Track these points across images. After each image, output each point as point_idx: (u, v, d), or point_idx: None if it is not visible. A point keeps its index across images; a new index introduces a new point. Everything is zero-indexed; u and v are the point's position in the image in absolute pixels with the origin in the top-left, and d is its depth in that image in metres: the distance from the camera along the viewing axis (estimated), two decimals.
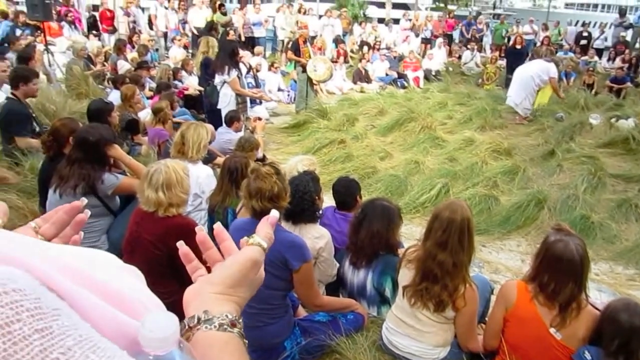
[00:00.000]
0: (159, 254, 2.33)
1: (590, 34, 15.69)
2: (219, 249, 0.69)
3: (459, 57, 14.53)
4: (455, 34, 16.01)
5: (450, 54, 14.94)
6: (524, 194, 5.19)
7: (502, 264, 4.32)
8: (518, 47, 11.81)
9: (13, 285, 0.36)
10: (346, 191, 3.14)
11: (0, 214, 0.73)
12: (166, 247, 2.28)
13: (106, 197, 2.91)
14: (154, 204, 2.34)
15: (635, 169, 6.21)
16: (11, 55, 7.13)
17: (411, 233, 4.65)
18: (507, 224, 4.86)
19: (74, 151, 2.88)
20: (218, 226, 0.69)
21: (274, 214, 0.75)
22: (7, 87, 4.94)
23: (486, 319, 2.70)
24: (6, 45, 8.12)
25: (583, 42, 15.21)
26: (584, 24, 16.97)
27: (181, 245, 0.69)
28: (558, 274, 2.04)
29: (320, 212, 2.98)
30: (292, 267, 2.16)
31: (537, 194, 5.04)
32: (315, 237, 2.59)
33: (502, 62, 12.95)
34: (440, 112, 8.84)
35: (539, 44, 14.07)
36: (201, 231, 0.68)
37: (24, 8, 9.32)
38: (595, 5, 64.81)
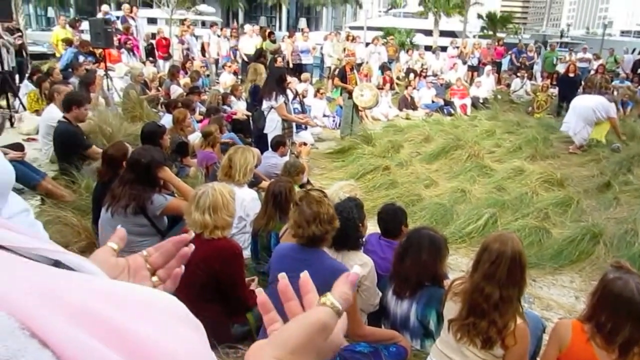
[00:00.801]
0: (203, 275, 2.35)
1: None
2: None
3: (508, 85, 14.27)
4: (504, 62, 15.76)
5: (499, 81, 14.70)
6: (577, 227, 4.95)
7: (554, 300, 4.10)
8: (571, 75, 11.48)
9: None
10: (392, 219, 3.09)
11: (116, 239, 0.76)
12: (211, 269, 2.31)
13: (155, 217, 2.99)
14: (200, 226, 2.38)
15: None
16: (74, 80, 7.58)
17: (457, 264, 4.51)
18: (560, 258, 4.63)
19: (126, 172, 2.99)
20: (305, 275, 0.63)
21: (356, 270, 0.66)
22: None
23: (538, 359, 2.56)
24: (70, 70, 8.64)
25: None
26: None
27: (260, 292, 0.64)
28: (616, 314, 1.91)
29: (364, 239, 2.94)
30: None
31: (592, 228, 4.79)
32: (359, 265, 2.55)
33: (554, 90, 12.61)
34: (488, 140, 8.65)
35: (592, 72, 13.66)
36: (284, 279, 0.61)
37: (88, 36, 9.94)
38: None
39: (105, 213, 2.95)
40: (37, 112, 6.89)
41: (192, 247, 0.77)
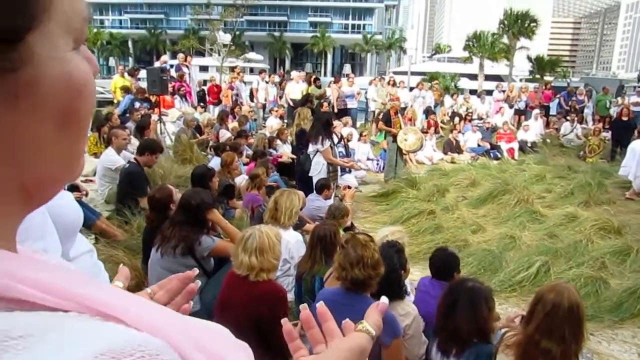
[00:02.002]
0: (247, 317, 2.36)
1: None
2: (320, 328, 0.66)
3: (557, 129, 13.94)
4: (553, 105, 15.47)
5: (547, 125, 14.39)
6: (638, 278, 4.66)
7: (614, 356, 3.83)
8: (625, 118, 11.11)
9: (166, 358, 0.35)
10: (444, 265, 3.02)
11: (122, 278, 0.78)
12: (255, 312, 2.31)
13: (202, 258, 3.05)
14: (247, 268, 2.41)
15: None
16: (131, 125, 8.00)
17: (507, 313, 4.31)
18: (620, 311, 4.35)
19: (177, 214, 3.09)
20: (321, 306, 0.67)
21: (384, 300, 0.72)
22: (125, 153, 5.50)
23: None
24: (127, 115, 9.14)
25: None
26: None
27: (285, 322, 0.69)
28: None
29: (407, 287, 2.89)
30: (382, 342, 2.08)
31: None
32: (401, 314, 2.49)
33: (606, 134, 12.20)
34: (537, 185, 8.39)
35: None
36: (305, 309, 0.67)
37: (144, 84, 10.56)
38: None
39: (155, 253, 3.04)
40: (96, 155, 7.28)
41: (199, 283, 0.78)
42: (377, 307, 0.70)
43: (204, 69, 28.11)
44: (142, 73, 12.35)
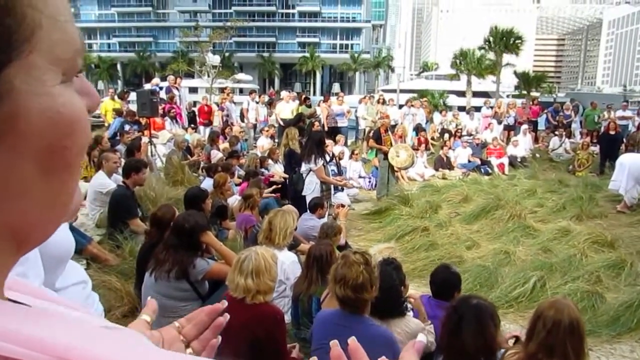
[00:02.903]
0: (244, 342, 2.31)
1: None
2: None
3: (546, 144, 14.10)
4: (541, 121, 15.66)
5: (536, 140, 14.55)
6: (634, 291, 4.65)
7: None
8: (612, 132, 11.26)
9: None
10: (445, 284, 2.99)
11: (149, 312, 0.75)
12: (253, 335, 2.26)
13: (196, 281, 3.00)
14: (243, 291, 2.37)
15: None
16: (121, 148, 7.95)
17: (504, 329, 4.28)
18: (617, 325, 4.33)
19: (170, 237, 3.04)
20: (353, 341, 0.65)
21: (422, 338, 0.70)
22: (116, 177, 5.46)
23: None
24: (117, 138, 9.10)
25: None
26: None
27: (334, 345, 0.66)
28: None
29: (407, 305, 2.86)
30: None
31: None
32: (407, 331, 2.47)
33: (595, 148, 12.35)
34: (529, 200, 8.43)
35: (634, 129, 13.37)
36: (336, 347, 0.64)
37: (134, 106, 10.54)
38: None
39: (148, 277, 2.99)
40: (86, 179, 7.20)
41: (227, 316, 0.76)
42: (413, 346, 0.69)
43: (193, 90, 28.17)
44: (132, 96, 12.35)
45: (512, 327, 4.26)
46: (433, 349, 2.63)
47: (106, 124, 11.44)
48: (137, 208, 4.88)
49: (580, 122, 15.57)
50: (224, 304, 0.76)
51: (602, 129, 12.80)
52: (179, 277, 2.91)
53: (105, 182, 5.47)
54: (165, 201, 5.92)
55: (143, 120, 10.00)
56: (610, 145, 11.00)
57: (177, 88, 12.55)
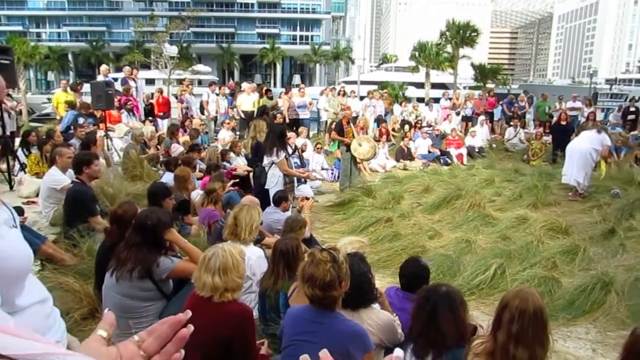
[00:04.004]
0: (214, 340, 2.26)
1: (637, 108, 15.43)
2: None
3: (502, 134, 14.53)
4: (497, 112, 16.10)
5: (492, 131, 14.96)
6: (587, 276, 4.85)
7: (571, 353, 3.96)
8: (563, 123, 11.70)
9: None
10: (415, 278, 3.03)
11: (106, 326, 0.70)
12: (221, 334, 2.22)
13: (161, 280, 2.92)
14: (210, 289, 2.31)
15: None
16: (75, 142, 7.64)
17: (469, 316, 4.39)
18: (572, 308, 4.51)
19: (132, 235, 2.94)
20: (325, 353, 0.62)
21: (399, 354, 0.69)
22: (71, 172, 5.23)
23: None
24: (71, 132, 8.73)
25: (631, 117, 14.96)
26: (631, 100, 16.76)
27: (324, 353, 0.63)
28: None
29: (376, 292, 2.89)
30: (354, 358, 2.04)
31: (602, 277, 4.69)
32: (379, 323, 2.50)
33: (547, 138, 12.81)
34: (487, 189, 8.67)
35: (583, 120, 13.93)
36: (325, 354, 0.62)
37: (88, 98, 10.13)
38: (638, 81, 64.62)
39: (109, 278, 2.88)
40: (38, 175, 6.89)
41: (192, 328, 0.72)
42: None
43: (150, 82, 27.39)
44: (86, 87, 11.86)
45: (475, 313, 4.37)
46: (402, 340, 2.66)
47: (58, 117, 10.94)
48: (97, 204, 4.69)
49: (534, 114, 16.10)
50: (188, 314, 0.70)
51: (554, 120, 13.27)
52: (142, 276, 2.82)
53: (59, 178, 5.23)
54: (124, 197, 5.74)
55: (98, 113, 9.64)
56: (562, 135, 11.40)
57: (133, 79, 12.15)
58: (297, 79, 42.34)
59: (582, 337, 4.22)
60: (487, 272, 4.98)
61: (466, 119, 15.28)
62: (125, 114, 10.79)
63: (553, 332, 4.30)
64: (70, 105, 9.89)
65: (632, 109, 15.33)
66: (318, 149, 10.66)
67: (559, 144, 11.47)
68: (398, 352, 0.66)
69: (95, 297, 3.37)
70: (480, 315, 4.35)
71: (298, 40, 72.11)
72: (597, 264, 5.41)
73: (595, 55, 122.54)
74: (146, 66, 35.33)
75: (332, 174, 10.34)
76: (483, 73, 40.81)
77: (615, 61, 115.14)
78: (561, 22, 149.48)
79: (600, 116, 17.67)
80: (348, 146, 8.75)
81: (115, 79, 12.88)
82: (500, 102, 16.28)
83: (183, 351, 0.69)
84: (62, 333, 1.39)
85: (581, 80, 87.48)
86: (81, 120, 9.25)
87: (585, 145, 8.13)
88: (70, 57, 65.94)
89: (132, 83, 11.89)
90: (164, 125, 12.10)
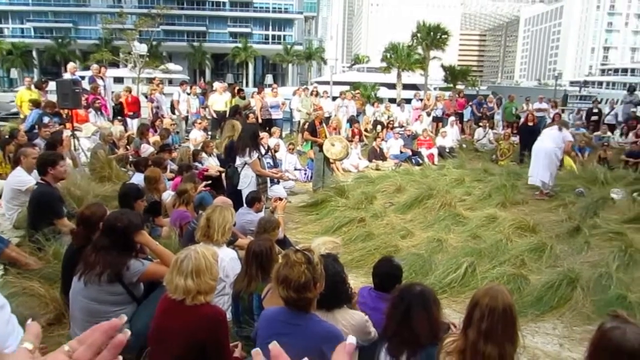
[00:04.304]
0: (186, 344, 2.22)
1: (600, 110, 15.97)
2: None
3: (472, 135, 14.81)
4: (466, 113, 16.39)
5: (462, 131, 15.23)
6: (554, 272, 4.99)
7: (539, 349, 4.06)
8: (530, 124, 11.99)
9: None
10: (388, 277, 3.05)
11: (31, 337, 0.66)
12: (195, 338, 2.18)
13: (131, 284, 2.85)
14: (183, 292, 2.27)
15: None
16: (40, 142, 7.41)
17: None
18: (540, 305, 4.63)
19: (101, 238, 2.86)
20: (275, 346, 0.62)
21: (351, 340, 0.69)
22: (36, 173, 5.07)
23: None
24: (35, 132, 8.46)
25: (594, 118, 15.47)
26: (594, 101, 17.32)
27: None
28: None
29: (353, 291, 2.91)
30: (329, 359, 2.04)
31: (568, 273, 4.84)
32: (352, 323, 2.51)
33: (515, 139, 13.11)
34: (458, 189, 8.81)
35: (549, 120, 14.31)
36: (276, 346, 0.61)
37: (53, 97, 9.83)
38: (600, 83, 66.91)
39: (77, 282, 2.80)
40: (0, 176, 6.65)
41: (128, 333, 0.67)
42: (344, 349, 0.67)
43: (119, 80, 26.85)
44: (51, 85, 11.51)
45: (447, 312, 4.43)
46: (376, 339, 2.68)
47: (22, 116, 10.58)
48: (63, 206, 4.55)
49: (502, 114, 16.47)
50: (123, 318, 0.68)
51: (522, 121, 13.59)
52: (112, 280, 2.75)
53: (24, 179, 5.06)
54: (92, 198, 5.59)
55: (64, 112, 9.36)
56: (529, 136, 11.67)
57: (101, 78, 11.86)
58: (269, 78, 42.19)
59: (549, 332, 4.33)
60: (458, 270, 5.06)
61: (437, 120, 15.50)
62: (92, 113, 10.52)
63: (522, 328, 4.40)
64: (35, 103, 9.58)
65: (595, 110, 15.86)
66: (291, 149, 10.64)
67: (526, 144, 11.74)
68: (351, 339, 0.66)
69: (61, 301, 3.27)
70: (452, 314, 4.42)
71: (270, 40, 71.81)
72: (563, 261, 5.57)
73: (560, 58, 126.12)
74: (114, 64, 34.59)
75: (305, 174, 10.34)
76: (453, 74, 41.59)
77: (579, 64, 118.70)
78: (527, 25, 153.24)
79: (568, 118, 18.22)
80: (321, 146, 8.76)
81: (83, 77, 12.56)
82: (470, 103, 16.59)
83: (121, 357, 0.66)
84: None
85: (547, 82, 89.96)
86: (46, 119, 8.97)
87: (549, 146, 8.35)
88: (34, 54, 63.97)
89: (100, 81, 11.60)
90: (133, 125, 11.85)
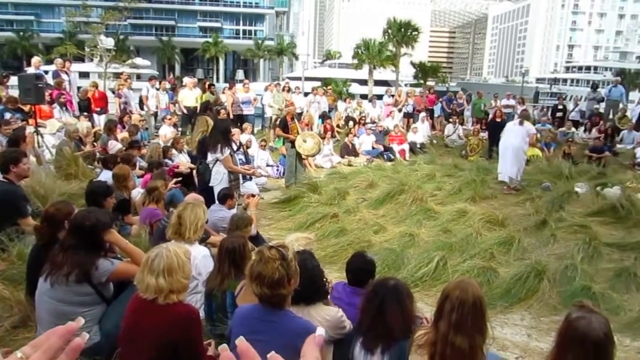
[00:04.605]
0: (159, 344, 2.19)
1: (565, 106, 16.44)
2: None
3: (442, 131, 15.02)
4: (436, 109, 16.62)
5: (433, 127, 15.44)
6: (522, 265, 5.14)
7: (508, 339, 4.17)
8: (498, 120, 12.24)
9: None
10: (361, 272, 3.06)
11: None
12: (168, 338, 2.15)
13: (100, 284, 2.78)
14: (154, 291, 2.23)
15: (628, 237, 6.24)
16: (1, 139, 7.14)
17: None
18: (509, 296, 4.76)
19: (68, 237, 2.78)
20: (242, 341, 0.61)
21: (320, 332, 0.69)
22: None
23: None
24: None
25: (559, 114, 15.91)
26: (559, 98, 17.80)
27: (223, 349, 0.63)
28: (583, 354, 1.94)
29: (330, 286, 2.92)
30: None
31: (535, 265, 4.98)
32: (327, 319, 2.51)
33: (484, 135, 13.37)
34: (429, 184, 8.94)
35: (517, 116, 14.64)
36: (226, 350, 0.61)
37: (15, 92, 9.48)
38: (565, 80, 68.88)
39: (43, 283, 2.71)
40: None
41: (86, 336, 0.64)
42: (313, 341, 0.67)
43: (84, 75, 26.12)
44: (13, 80, 11.10)
45: (419, 305, 4.49)
46: (351, 331, 2.69)
47: None
48: (28, 205, 4.40)
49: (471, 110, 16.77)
50: (80, 321, 0.65)
51: (490, 117, 13.87)
52: (80, 280, 2.67)
53: None
54: (58, 197, 5.43)
55: (27, 108, 9.05)
56: (497, 132, 11.91)
57: (66, 72, 11.50)
58: (240, 74, 41.77)
59: (517, 323, 4.45)
60: (430, 264, 5.14)
61: (408, 116, 15.67)
62: (57, 109, 10.21)
63: (491, 320, 4.53)
64: None
65: (560, 107, 16.31)
66: (263, 145, 10.58)
67: (494, 140, 12.00)
68: (320, 330, 0.66)
69: (27, 303, 3.16)
70: (424, 307, 4.48)
71: (241, 35, 70.99)
72: (531, 253, 5.73)
73: (526, 55, 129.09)
74: (79, 59, 33.64)
75: (278, 170, 10.30)
76: (423, 71, 42.07)
77: (544, 61, 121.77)
78: (495, 23, 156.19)
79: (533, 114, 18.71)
80: (293, 142, 8.73)
81: (46, 72, 12.17)
82: (440, 100, 16.83)
83: None
84: None
85: (514, 79, 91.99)
86: (8, 115, 8.63)
87: (516, 142, 8.55)
88: None
89: (64, 76, 11.25)
90: (100, 121, 11.56)
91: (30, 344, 0.64)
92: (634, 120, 14.65)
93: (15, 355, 0.62)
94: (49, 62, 18.51)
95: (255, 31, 70.55)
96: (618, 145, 13.51)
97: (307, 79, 30.78)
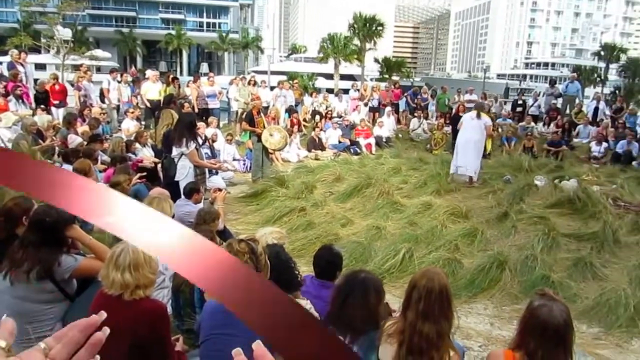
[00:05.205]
0: (125, 341, 2.15)
1: (524, 101, 16.94)
2: None
3: (407, 125, 15.23)
4: (401, 103, 16.84)
5: (398, 121, 15.64)
6: (485, 256, 5.28)
7: (472, 328, 4.29)
8: (462, 114, 12.49)
9: None
10: (328, 266, 3.09)
11: (6, 334, 0.62)
12: (135, 334, 2.11)
13: (63, 280, 2.71)
14: (120, 287, 2.19)
15: (584, 228, 6.50)
16: None
17: None
18: (473, 287, 4.89)
19: (28, 233, 2.69)
20: (259, 346, 0.59)
21: (259, 343, 0.66)
22: None
23: None
24: None
25: (519, 109, 16.40)
26: (519, 93, 18.32)
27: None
28: (544, 341, 2.03)
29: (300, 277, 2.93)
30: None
31: (497, 256, 5.14)
32: None
33: (448, 129, 13.64)
34: (395, 177, 9.05)
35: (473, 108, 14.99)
36: (260, 347, 0.58)
37: None
38: (524, 76, 70.93)
39: (2, 281, 2.61)
40: None
41: (107, 331, 0.65)
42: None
43: (41, 67, 25.17)
44: None
45: (387, 297, 4.56)
46: None
47: None
48: None
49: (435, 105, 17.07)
50: (102, 315, 0.65)
51: (454, 111, 14.16)
52: (42, 277, 2.59)
53: None
54: (15, 193, 5.22)
55: None
56: None
57: (21, 64, 11.06)
58: (204, 67, 41.15)
59: (481, 312, 4.58)
60: (397, 256, 5.22)
61: (373, 110, 15.80)
62: (13, 102, 9.81)
63: (457, 309, 4.66)
64: None
65: (520, 102, 16.80)
66: (229, 139, 10.47)
67: (457, 134, 12.26)
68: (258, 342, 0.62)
69: None
70: (392, 299, 4.55)
71: (205, 28, 69.79)
72: (493, 244, 5.90)
73: (488, 51, 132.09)
74: (35, 50, 32.38)
75: (244, 164, 10.22)
76: (388, 66, 42.46)
77: (505, 57, 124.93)
78: (458, 19, 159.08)
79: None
80: (259, 136, 8.68)
81: (1, 63, 11.68)
82: (405, 94, 17.05)
83: (98, 357, 0.63)
84: None
85: (476, 74, 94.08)
86: None
87: (476, 136, 8.72)
88: None
89: (20, 68, 10.82)
90: (59, 114, 11.17)
91: (53, 336, 0.63)
92: (589, 115, 15.26)
93: (39, 346, 0.61)
94: (4, 53, 17.74)
95: (220, 24, 69.48)
96: (574, 140, 14.06)
97: (273, 72, 30.63)
